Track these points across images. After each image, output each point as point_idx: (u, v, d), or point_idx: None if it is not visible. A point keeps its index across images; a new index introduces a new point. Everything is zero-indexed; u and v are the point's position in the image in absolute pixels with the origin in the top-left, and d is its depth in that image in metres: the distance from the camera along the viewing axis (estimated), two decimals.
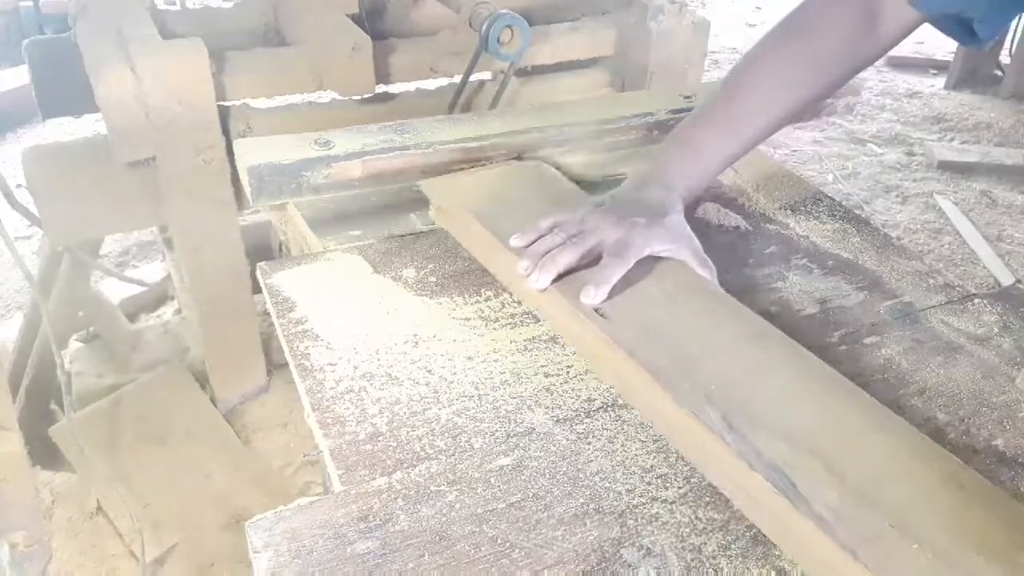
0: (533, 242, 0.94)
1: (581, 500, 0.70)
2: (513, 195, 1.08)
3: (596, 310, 0.86)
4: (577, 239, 0.92)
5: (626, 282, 0.89)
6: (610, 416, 0.80)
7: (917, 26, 0.96)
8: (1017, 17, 1.05)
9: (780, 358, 0.81)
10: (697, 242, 0.95)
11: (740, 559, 0.66)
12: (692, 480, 0.73)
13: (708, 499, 0.72)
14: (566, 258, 0.90)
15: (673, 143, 1.03)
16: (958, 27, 0.94)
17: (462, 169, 1.16)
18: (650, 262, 0.92)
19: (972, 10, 0.92)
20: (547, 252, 0.91)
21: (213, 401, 1.75)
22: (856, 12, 0.96)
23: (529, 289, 0.91)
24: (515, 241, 0.95)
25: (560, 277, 0.90)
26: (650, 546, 0.67)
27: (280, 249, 1.86)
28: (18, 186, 1.86)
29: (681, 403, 0.75)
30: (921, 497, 0.66)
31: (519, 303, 0.95)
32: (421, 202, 1.17)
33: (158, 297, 2.39)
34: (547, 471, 0.73)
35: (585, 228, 0.93)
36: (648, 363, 0.79)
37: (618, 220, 0.93)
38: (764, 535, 0.68)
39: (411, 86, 1.70)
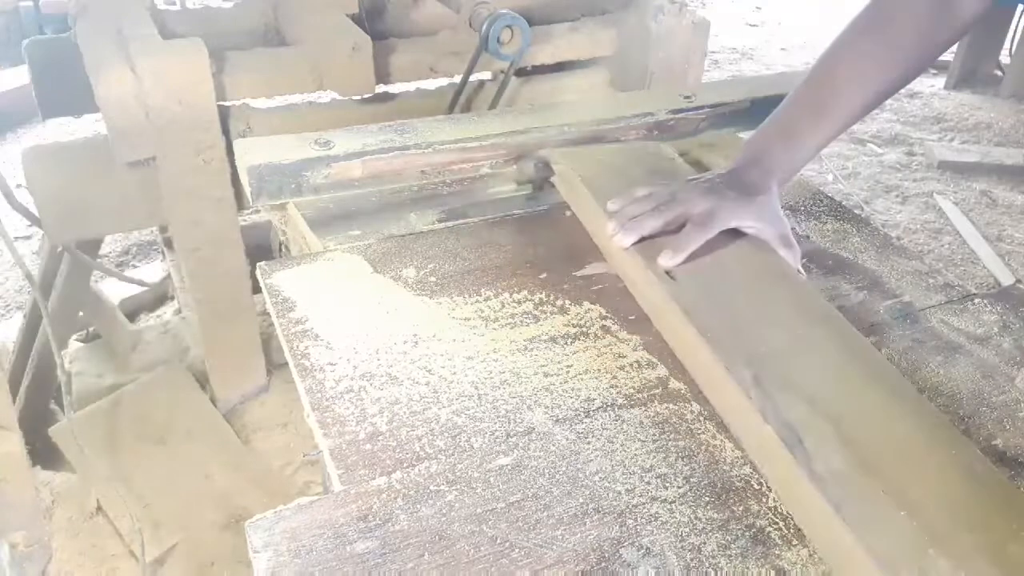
0: (626, 207, 1.00)
1: (581, 500, 0.70)
2: (625, 169, 1.13)
3: (668, 273, 0.91)
4: (665, 207, 0.97)
5: (706, 252, 0.93)
6: (610, 416, 0.80)
7: (988, 7, 0.99)
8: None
9: (832, 338, 0.84)
10: (786, 224, 0.99)
11: (739, 559, 0.66)
12: (692, 480, 0.73)
13: (708, 499, 0.72)
14: (651, 223, 0.96)
15: (769, 128, 1.06)
16: None
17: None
18: (734, 236, 0.96)
19: None
20: (636, 216, 0.97)
21: (213, 401, 1.75)
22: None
23: (614, 248, 0.98)
24: (611, 205, 1.02)
25: (647, 241, 0.95)
26: (649, 546, 0.67)
27: (280, 249, 1.86)
28: (18, 186, 1.86)
29: (719, 357, 0.79)
30: (926, 474, 0.68)
31: (518, 303, 0.95)
32: (421, 202, 1.17)
33: (158, 297, 2.39)
34: (547, 471, 0.73)
35: (675, 198, 0.98)
36: (700, 322, 0.83)
37: (708, 193, 0.98)
38: (764, 534, 0.69)
39: (411, 86, 1.70)
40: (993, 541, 0.62)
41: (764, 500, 0.72)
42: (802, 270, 0.97)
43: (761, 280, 0.92)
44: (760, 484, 0.73)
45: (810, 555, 0.67)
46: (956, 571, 0.60)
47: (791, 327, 0.85)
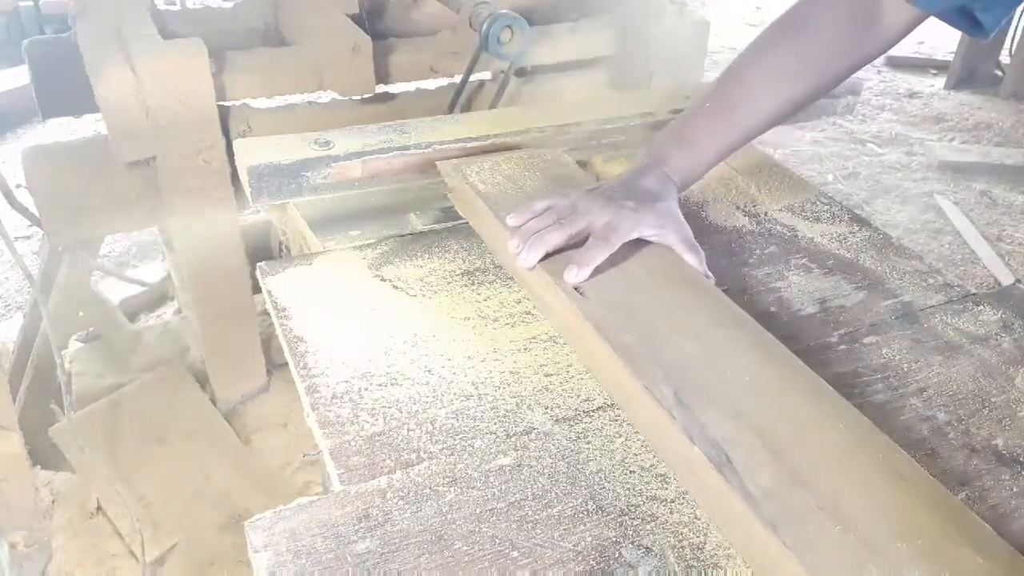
0: (527, 222, 0.97)
1: (580, 499, 0.70)
2: (521, 180, 1.10)
3: (576, 289, 0.88)
4: (567, 221, 0.94)
5: (611, 263, 0.91)
6: (609, 416, 0.80)
7: (919, 23, 0.96)
8: (1021, 6, 1.03)
9: (747, 344, 0.82)
10: (687, 228, 0.97)
11: (740, 558, 0.66)
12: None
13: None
14: (554, 238, 0.93)
15: (670, 134, 1.05)
16: (963, 19, 0.93)
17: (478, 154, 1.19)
18: (638, 245, 0.94)
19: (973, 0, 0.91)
20: (538, 232, 0.94)
21: (213, 401, 1.75)
22: (852, 10, 0.96)
23: (519, 266, 0.94)
24: (510, 220, 0.98)
25: (550, 257, 0.92)
26: (649, 545, 0.67)
27: (280, 249, 1.86)
28: (18, 186, 1.86)
29: (637, 376, 0.76)
30: (857, 483, 0.67)
31: (518, 303, 0.95)
32: (421, 202, 1.17)
33: (158, 297, 2.39)
34: (546, 471, 0.73)
35: (576, 210, 0.95)
36: (613, 338, 0.81)
37: (608, 203, 0.95)
38: None
39: (411, 86, 1.70)
40: (928, 545, 0.62)
41: None
42: (709, 274, 0.94)
43: (669, 288, 0.89)
44: None
45: None
46: None
47: (704, 335, 0.82)
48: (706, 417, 0.72)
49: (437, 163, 1.15)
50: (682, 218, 0.97)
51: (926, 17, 0.94)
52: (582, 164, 1.21)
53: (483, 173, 1.11)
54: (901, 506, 0.65)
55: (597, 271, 0.89)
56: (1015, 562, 0.61)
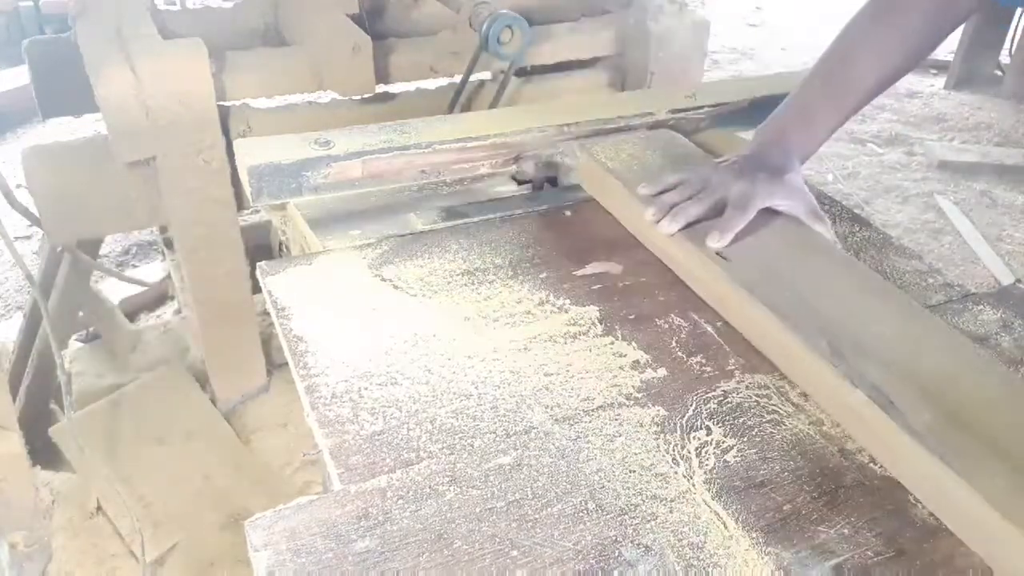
0: (661, 193, 1.05)
1: (580, 499, 0.70)
2: (644, 158, 1.17)
3: (719, 254, 0.95)
4: (703, 193, 1.02)
5: (746, 232, 0.98)
6: (609, 415, 0.80)
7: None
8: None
9: (888, 304, 0.89)
10: (813, 199, 1.04)
11: (740, 557, 0.66)
12: (692, 479, 0.73)
13: (708, 497, 0.71)
14: (695, 209, 1.00)
15: (786, 112, 1.10)
16: None
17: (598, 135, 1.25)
18: (769, 215, 1.01)
19: None
20: (675, 204, 1.01)
21: (213, 401, 1.75)
22: None
23: (656, 236, 1.02)
24: (643, 189, 1.07)
25: (687, 227, 1.00)
26: (649, 544, 0.67)
27: (280, 249, 1.86)
28: (18, 186, 1.86)
29: (795, 332, 0.84)
30: (1009, 422, 0.73)
31: (518, 303, 0.95)
32: (421, 202, 1.17)
33: (158, 297, 2.39)
34: (546, 470, 0.73)
35: (710, 183, 1.03)
36: (766, 300, 0.88)
37: (740, 175, 1.02)
38: (764, 536, 0.69)
39: (411, 86, 1.70)
40: None
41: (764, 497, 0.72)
42: (837, 240, 1.01)
43: (805, 253, 0.97)
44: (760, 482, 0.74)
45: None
46: None
47: (847, 297, 0.89)
48: (863, 365, 0.79)
49: (567, 144, 1.23)
50: (807, 189, 1.04)
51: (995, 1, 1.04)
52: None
53: (607, 151, 1.18)
54: None
55: (735, 240, 0.96)
56: None
